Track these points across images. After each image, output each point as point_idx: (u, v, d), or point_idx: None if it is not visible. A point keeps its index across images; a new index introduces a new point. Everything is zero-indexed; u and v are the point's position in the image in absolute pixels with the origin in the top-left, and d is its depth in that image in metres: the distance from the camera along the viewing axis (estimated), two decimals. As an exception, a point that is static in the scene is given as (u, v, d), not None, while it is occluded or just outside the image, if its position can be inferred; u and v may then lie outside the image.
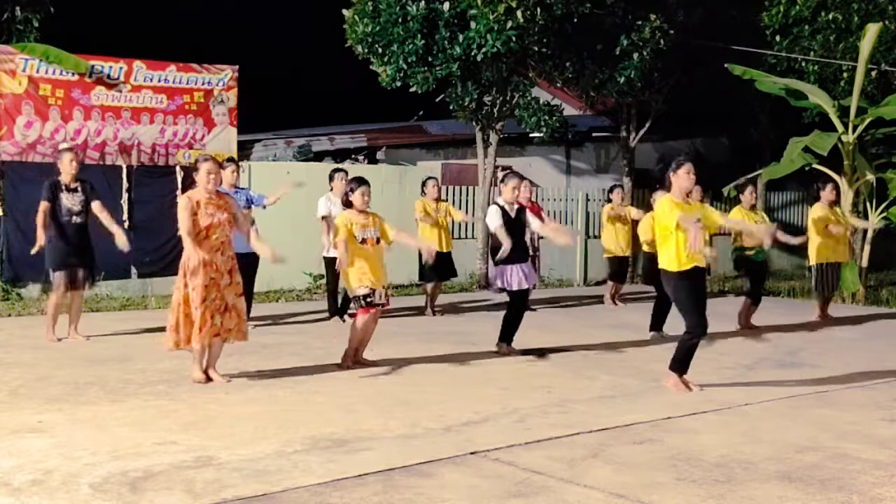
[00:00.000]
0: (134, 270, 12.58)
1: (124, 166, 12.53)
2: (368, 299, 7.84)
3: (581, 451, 5.52)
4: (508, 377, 7.80)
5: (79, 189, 9.07)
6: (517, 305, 8.86)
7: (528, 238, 9.23)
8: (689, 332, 7.25)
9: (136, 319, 10.66)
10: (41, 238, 8.90)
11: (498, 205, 8.81)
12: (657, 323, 10.04)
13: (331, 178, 10.84)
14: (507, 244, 8.51)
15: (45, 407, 6.37)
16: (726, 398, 7.08)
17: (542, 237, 11.27)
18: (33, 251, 9.05)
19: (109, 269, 11.95)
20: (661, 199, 7.32)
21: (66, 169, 9.05)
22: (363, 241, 7.84)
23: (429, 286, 11.83)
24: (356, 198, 7.94)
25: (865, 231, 14.60)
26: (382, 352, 8.48)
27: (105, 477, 4.81)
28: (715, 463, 5.36)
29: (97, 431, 5.75)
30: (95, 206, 9.12)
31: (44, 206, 8.93)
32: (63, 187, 9.01)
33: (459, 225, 14.96)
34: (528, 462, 5.27)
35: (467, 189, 15.81)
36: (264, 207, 10.10)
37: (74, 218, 9.01)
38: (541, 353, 8.89)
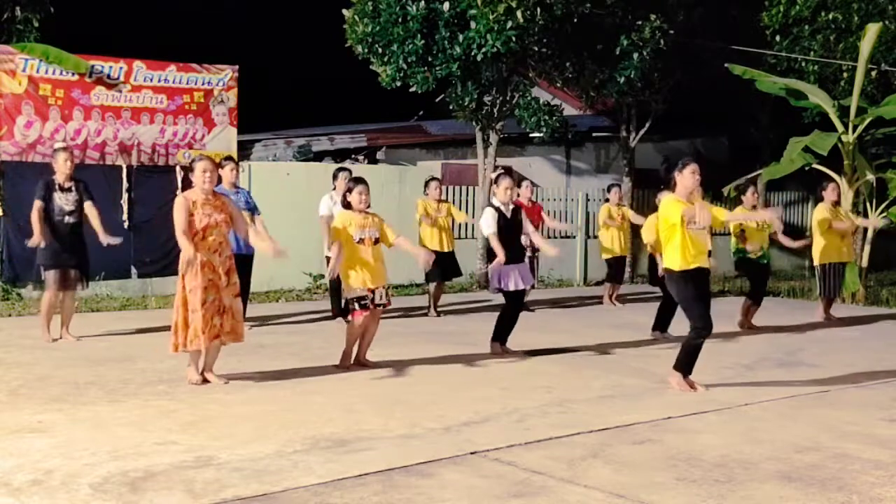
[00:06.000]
0: (134, 270, 12.61)
1: (124, 166, 12.53)
2: (363, 301, 7.83)
3: (581, 451, 5.52)
4: (508, 377, 7.80)
5: (73, 189, 9.08)
6: (513, 306, 8.85)
7: (524, 239, 9.20)
8: (695, 331, 7.26)
9: (136, 319, 10.66)
10: (37, 235, 8.86)
11: (493, 206, 8.74)
12: (661, 323, 10.01)
13: (334, 178, 10.82)
14: (500, 256, 8.46)
15: (45, 407, 6.37)
16: (726, 398, 7.08)
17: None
18: (30, 243, 9.01)
19: (109, 269, 11.99)
20: (665, 199, 7.37)
21: (61, 169, 9.05)
22: (360, 240, 7.80)
23: (431, 286, 11.83)
24: (353, 198, 7.92)
25: (866, 231, 14.60)
26: (382, 352, 8.48)
27: (105, 477, 4.81)
28: (715, 463, 5.36)
29: (97, 431, 5.75)
30: (87, 205, 9.13)
31: (38, 205, 8.92)
32: (57, 187, 9.02)
33: (460, 225, 14.93)
34: (528, 462, 5.26)
35: (467, 189, 15.82)
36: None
37: (67, 217, 9.01)
38: (530, 353, 8.86)
